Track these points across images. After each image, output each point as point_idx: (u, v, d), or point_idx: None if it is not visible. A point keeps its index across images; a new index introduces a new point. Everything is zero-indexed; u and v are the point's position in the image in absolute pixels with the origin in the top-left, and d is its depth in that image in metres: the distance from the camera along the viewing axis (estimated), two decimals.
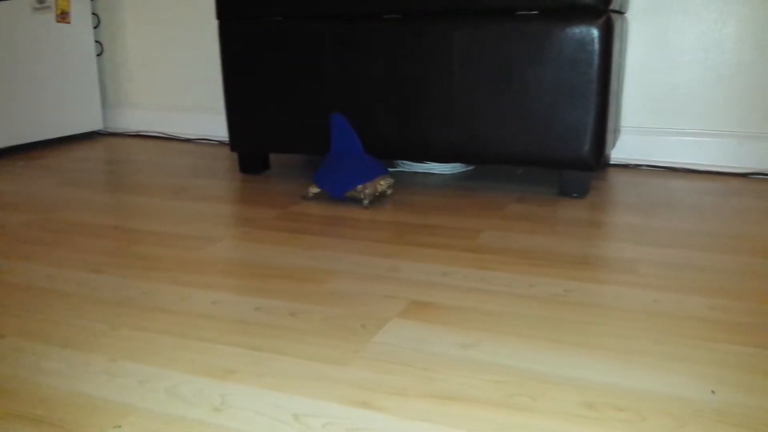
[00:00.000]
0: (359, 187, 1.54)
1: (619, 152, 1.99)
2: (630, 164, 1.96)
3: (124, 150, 2.35)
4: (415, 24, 1.62)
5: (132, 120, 2.69)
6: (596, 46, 1.48)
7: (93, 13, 2.59)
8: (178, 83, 2.59)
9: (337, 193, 1.57)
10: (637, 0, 1.89)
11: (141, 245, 1.31)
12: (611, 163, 1.99)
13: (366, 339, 0.90)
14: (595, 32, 1.48)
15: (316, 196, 1.63)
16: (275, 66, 1.76)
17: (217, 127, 2.52)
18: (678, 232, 1.35)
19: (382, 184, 1.56)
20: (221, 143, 2.45)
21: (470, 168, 1.94)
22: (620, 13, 1.74)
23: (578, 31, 1.49)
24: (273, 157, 2.11)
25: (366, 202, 1.54)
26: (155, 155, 2.24)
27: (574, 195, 1.63)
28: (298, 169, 1.97)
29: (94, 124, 2.60)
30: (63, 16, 2.40)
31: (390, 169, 1.91)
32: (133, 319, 0.97)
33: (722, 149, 1.89)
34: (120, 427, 0.71)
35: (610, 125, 1.64)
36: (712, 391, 0.76)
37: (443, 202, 1.59)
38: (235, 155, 2.21)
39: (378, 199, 1.60)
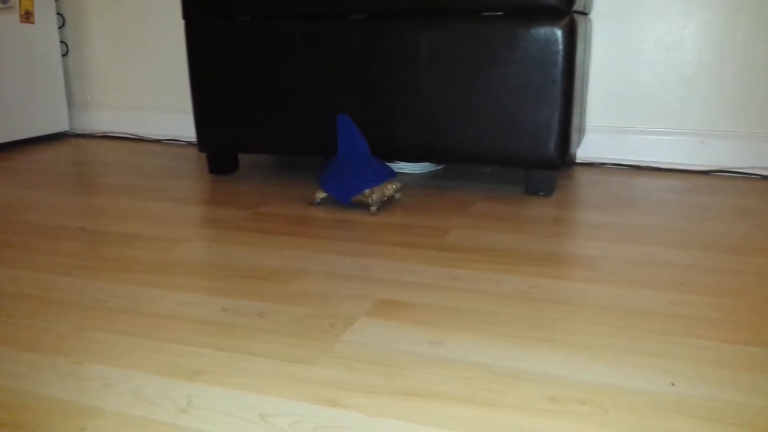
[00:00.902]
0: (366, 191, 1.48)
1: (585, 151, 2.02)
2: (595, 163, 1.99)
3: (91, 151, 2.33)
4: (382, 24, 1.62)
5: (99, 121, 2.66)
6: (560, 46, 1.50)
7: (58, 13, 2.55)
8: (145, 83, 2.56)
9: (344, 197, 1.51)
10: (601, 1, 1.92)
11: (108, 247, 1.30)
12: (577, 161, 2.02)
13: (334, 338, 0.91)
14: (558, 33, 1.50)
15: (323, 201, 1.57)
16: (243, 65, 1.76)
17: (186, 128, 2.50)
18: (641, 228, 1.38)
19: (390, 188, 1.50)
20: (190, 144, 2.44)
21: (439, 167, 1.96)
22: (584, 14, 1.77)
23: (542, 31, 1.51)
24: (242, 158, 2.11)
25: (374, 208, 1.49)
26: (123, 156, 2.22)
27: (541, 193, 1.65)
28: (268, 169, 1.97)
29: (60, 126, 2.56)
30: (27, 16, 2.36)
31: None
32: (98, 321, 0.97)
33: (685, 147, 1.93)
34: (85, 429, 0.70)
35: (575, 124, 1.67)
36: (672, 384, 0.78)
37: (412, 201, 1.60)
38: (203, 156, 2.20)
39: (386, 203, 1.56)
